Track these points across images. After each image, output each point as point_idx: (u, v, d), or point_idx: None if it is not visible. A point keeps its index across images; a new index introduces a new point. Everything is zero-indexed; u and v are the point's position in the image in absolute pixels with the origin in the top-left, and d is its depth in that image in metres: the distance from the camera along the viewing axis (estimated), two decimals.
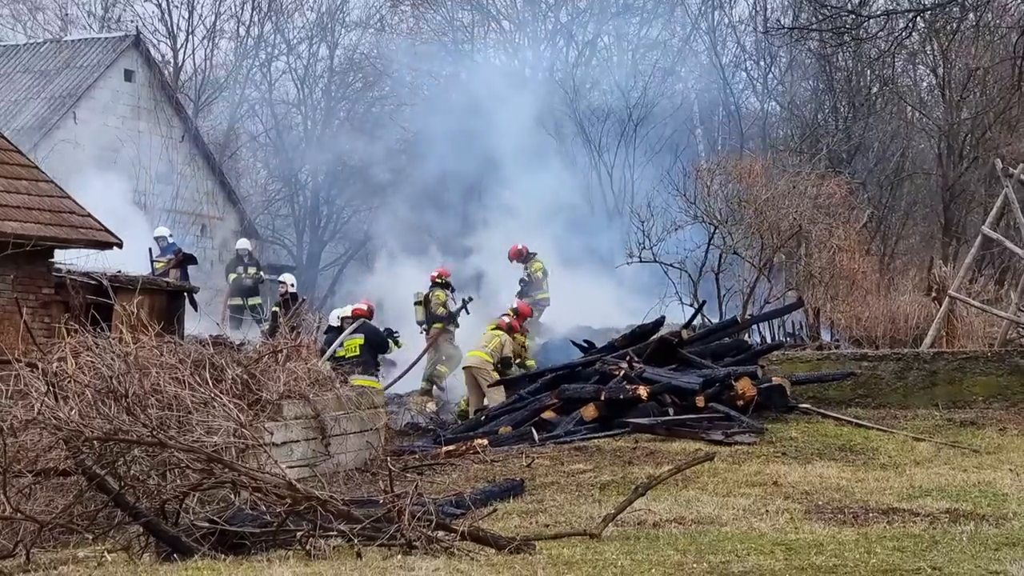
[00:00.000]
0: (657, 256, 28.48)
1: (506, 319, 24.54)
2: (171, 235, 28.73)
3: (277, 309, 24.88)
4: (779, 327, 26.95)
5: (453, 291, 27.64)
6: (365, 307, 23.94)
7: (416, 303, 27.46)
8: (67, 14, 52.83)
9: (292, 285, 26.43)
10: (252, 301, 29.38)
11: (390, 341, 23.63)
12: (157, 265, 26.88)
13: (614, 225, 38.37)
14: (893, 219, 38.77)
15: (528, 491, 15.21)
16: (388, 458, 17.08)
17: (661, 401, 19.92)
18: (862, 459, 17.25)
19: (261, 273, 30.28)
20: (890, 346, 25.85)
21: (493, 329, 24.24)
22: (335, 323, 23.88)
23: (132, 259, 23.10)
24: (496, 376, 23.22)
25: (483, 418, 21.34)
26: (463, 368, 24.11)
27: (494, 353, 23.50)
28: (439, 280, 27.43)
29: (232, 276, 29.04)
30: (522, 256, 29.82)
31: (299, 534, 10.54)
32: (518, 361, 24.20)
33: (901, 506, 13.57)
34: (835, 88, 39.87)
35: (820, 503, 13.86)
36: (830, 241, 30.23)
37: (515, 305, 25.32)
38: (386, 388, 24.59)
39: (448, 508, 12.76)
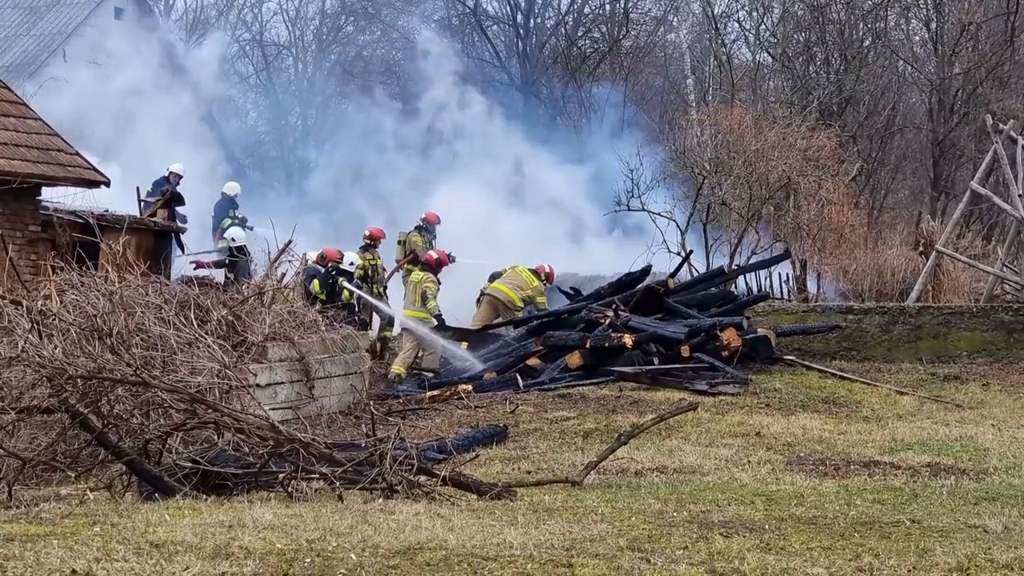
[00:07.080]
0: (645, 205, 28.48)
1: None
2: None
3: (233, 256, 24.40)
4: (766, 278, 26.97)
5: (435, 238, 27.34)
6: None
7: (399, 242, 27.25)
8: None
9: (233, 240, 25.62)
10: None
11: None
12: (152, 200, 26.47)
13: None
14: (882, 173, 38.77)
15: (511, 437, 15.27)
16: (371, 402, 17.13)
17: (646, 350, 19.96)
18: (845, 412, 17.33)
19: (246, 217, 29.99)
20: (876, 299, 25.93)
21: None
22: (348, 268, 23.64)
23: (119, 198, 22.97)
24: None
25: None
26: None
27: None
28: (421, 223, 27.20)
29: (226, 221, 28.82)
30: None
31: (281, 476, 10.54)
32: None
33: (882, 459, 13.64)
34: (827, 40, 39.70)
35: (802, 455, 13.92)
36: (819, 194, 30.24)
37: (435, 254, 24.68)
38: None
39: (430, 453, 12.80)
